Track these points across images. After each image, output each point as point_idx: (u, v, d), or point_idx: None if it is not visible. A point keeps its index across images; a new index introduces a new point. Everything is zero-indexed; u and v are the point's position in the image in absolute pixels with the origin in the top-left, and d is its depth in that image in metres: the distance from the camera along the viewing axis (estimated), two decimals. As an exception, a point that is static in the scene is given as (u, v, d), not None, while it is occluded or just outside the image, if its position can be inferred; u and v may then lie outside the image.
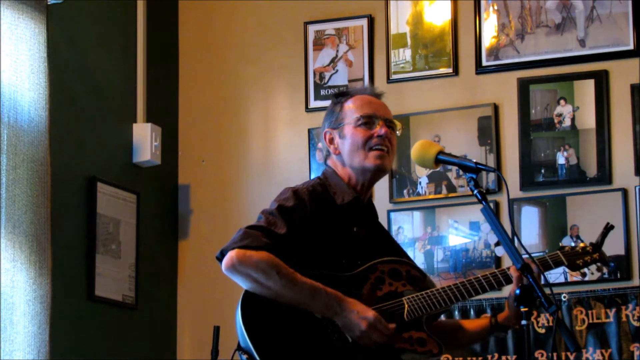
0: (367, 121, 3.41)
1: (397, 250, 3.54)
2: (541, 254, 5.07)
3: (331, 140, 3.47)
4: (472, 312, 5.16)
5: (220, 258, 3.25)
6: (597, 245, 3.49)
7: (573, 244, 3.54)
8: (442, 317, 3.64)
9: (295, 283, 3.20)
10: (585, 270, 3.45)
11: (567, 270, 3.50)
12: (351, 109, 3.45)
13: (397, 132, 3.47)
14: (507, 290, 3.42)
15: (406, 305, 3.31)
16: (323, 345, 3.21)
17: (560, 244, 3.52)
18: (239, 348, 3.21)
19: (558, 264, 3.44)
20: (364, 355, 3.23)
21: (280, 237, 3.23)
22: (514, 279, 3.35)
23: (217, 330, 4.50)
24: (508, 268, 3.41)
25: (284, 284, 3.18)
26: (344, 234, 3.38)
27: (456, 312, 5.16)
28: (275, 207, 3.29)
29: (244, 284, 3.23)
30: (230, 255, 3.21)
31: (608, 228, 3.48)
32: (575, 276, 5.09)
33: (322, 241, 3.32)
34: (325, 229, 3.33)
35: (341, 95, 3.52)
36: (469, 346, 5.03)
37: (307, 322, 3.22)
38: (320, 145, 3.58)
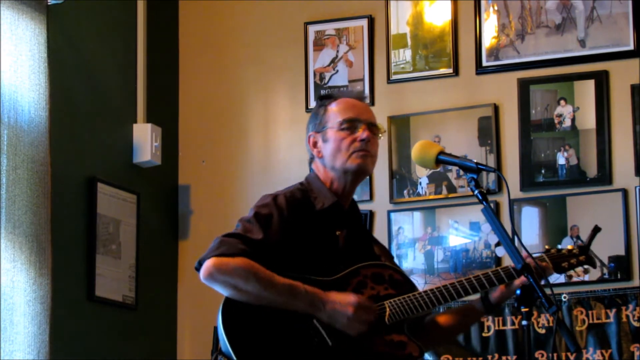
0: (349, 125, 3.40)
1: (380, 254, 3.54)
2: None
3: (315, 144, 3.48)
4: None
5: (198, 268, 3.27)
6: (585, 248, 3.45)
7: (559, 247, 3.50)
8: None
9: (274, 284, 3.21)
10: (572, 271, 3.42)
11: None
12: (334, 113, 3.44)
13: (380, 136, 3.45)
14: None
15: (387, 309, 3.31)
16: (304, 350, 3.21)
17: (546, 247, 3.50)
18: (220, 352, 3.23)
19: None
20: (345, 359, 3.23)
21: (257, 243, 3.25)
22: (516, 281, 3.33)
23: (217, 330, 4.50)
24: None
25: (263, 287, 3.20)
26: (324, 239, 3.38)
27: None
28: (252, 215, 3.32)
29: (223, 291, 3.25)
30: (207, 264, 3.24)
31: (595, 230, 3.44)
32: (575, 276, 5.09)
33: (303, 246, 3.32)
34: (305, 234, 3.33)
35: (325, 98, 3.52)
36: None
37: (288, 326, 3.23)
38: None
